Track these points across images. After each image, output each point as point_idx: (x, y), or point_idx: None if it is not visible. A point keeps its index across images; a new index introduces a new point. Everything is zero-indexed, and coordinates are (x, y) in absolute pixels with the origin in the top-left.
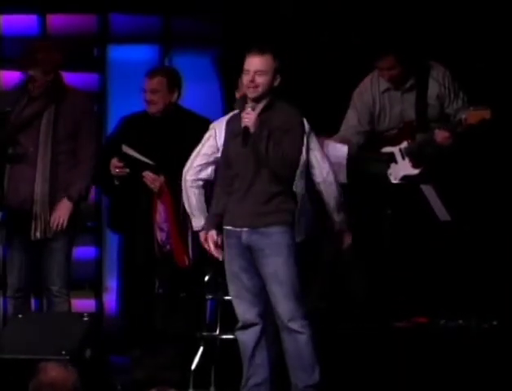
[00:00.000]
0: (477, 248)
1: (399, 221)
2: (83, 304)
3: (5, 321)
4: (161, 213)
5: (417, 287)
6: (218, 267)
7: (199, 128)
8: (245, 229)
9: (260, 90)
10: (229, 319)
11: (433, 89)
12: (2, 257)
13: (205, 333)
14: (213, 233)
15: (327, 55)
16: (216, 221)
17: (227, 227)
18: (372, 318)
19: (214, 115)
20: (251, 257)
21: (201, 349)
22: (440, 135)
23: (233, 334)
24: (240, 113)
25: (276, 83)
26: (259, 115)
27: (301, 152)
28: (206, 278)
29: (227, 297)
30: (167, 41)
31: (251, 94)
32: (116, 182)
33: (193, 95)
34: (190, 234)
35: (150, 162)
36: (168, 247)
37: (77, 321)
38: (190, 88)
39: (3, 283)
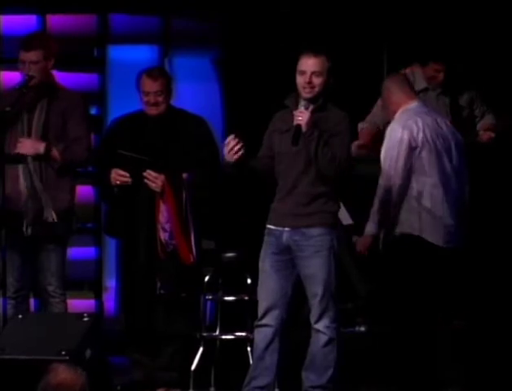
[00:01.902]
0: (477, 247)
1: None
2: (83, 304)
3: (5, 321)
4: (163, 212)
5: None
6: (217, 267)
7: (194, 125)
8: (287, 229)
9: (316, 90)
10: (229, 319)
11: (465, 91)
12: (2, 258)
13: (204, 333)
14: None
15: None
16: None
17: (269, 226)
18: (374, 317)
19: (214, 115)
20: (288, 258)
21: (201, 349)
22: (486, 136)
23: (233, 334)
24: (289, 111)
25: (330, 83)
26: (311, 115)
27: (349, 155)
28: (206, 278)
29: (226, 297)
30: (167, 41)
31: (307, 94)
32: (116, 190)
33: (193, 95)
34: (192, 231)
35: (148, 159)
36: (171, 247)
37: (77, 321)
38: (190, 88)
39: (3, 283)
